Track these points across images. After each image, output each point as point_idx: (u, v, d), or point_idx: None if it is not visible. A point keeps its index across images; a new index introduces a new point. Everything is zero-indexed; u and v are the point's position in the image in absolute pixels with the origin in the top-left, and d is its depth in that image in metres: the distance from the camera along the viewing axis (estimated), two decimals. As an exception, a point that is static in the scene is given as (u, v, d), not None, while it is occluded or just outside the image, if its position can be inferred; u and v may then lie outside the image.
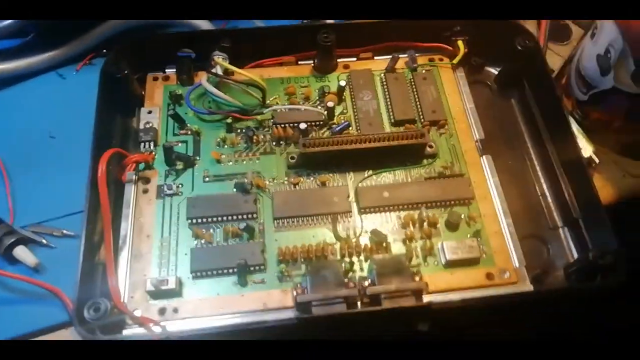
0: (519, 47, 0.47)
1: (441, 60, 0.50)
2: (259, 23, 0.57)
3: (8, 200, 0.44)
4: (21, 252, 0.41)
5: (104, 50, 0.54)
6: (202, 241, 0.40)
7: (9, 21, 0.50)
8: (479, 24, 0.49)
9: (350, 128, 0.46)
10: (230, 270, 0.38)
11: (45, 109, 0.50)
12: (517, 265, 0.40)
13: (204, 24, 0.52)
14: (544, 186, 0.45)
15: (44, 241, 0.42)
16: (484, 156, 0.45)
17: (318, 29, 0.47)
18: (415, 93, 0.48)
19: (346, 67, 0.49)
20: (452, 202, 0.42)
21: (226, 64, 0.46)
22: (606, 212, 0.40)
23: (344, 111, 0.47)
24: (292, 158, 0.43)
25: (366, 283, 0.37)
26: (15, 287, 0.40)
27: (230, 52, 0.47)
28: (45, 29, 0.53)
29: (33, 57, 0.51)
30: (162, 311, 0.37)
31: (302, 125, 0.44)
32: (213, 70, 0.46)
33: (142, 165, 0.43)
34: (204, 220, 0.40)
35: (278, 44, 0.49)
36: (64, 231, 0.43)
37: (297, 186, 0.43)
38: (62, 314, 0.39)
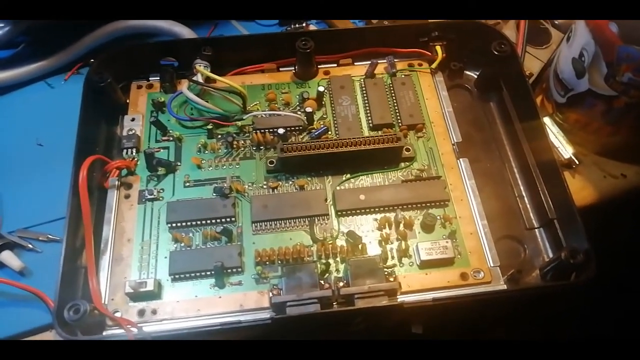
0: (495, 52, 0.48)
1: (420, 65, 0.51)
2: (238, 25, 0.58)
3: (-5, 207, 0.45)
4: (7, 257, 0.42)
5: (91, 60, 0.55)
6: (181, 244, 0.41)
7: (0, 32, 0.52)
8: (456, 29, 0.50)
9: (329, 133, 0.46)
10: (208, 273, 0.39)
11: (34, 117, 0.51)
12: (492, 265, 0.40)
13: (186, 33, 0.53)
14: (521, 188, 0.46)
15: (30, 246, 0.43)
16: (460, 159, 0.46)
17: (297, 36, 0.48)
18: (394, 98, 0.48)
19: (326, 73, 0.50)
20: (428, 204, 0.42)
21: (207, 72, 0.47)
22: (586, 213, 0.40)
23: (324, 116, 0.48)
24: (271, 163, 0.44)
25: (341, 284, 0.38)
26: (0, 291, 0.41)
27: (212, 60, 0.48)
28: (35, 40, 0.55)
29: (23, 68, 0.53)
30: (141, 313, 0.38)
31: (281, 130, 0.44)
32: (194, 78, 0.47)
33: (124, 172, 0.44)
34: (184, 224, 0.41)
35: (259, 51, 0.50)
36: (49, 236, 0.44)
37: (275, 190, 0.43)
38: (46, 316, 0.40)
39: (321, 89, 0.47)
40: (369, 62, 0.50)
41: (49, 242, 0.44)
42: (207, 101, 0.46)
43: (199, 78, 0.47)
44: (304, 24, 0.59)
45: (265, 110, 0.47)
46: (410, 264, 0.40)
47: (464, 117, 0.49)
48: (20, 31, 0.52)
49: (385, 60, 0.50)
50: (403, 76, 0.50)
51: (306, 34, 0.48)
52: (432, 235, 0.41)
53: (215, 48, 0.48)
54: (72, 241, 0.39)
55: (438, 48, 0.50)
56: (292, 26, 0.59)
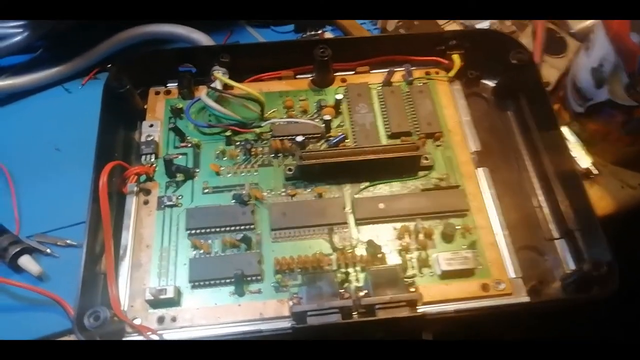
0: (514, 61, 0.48)
1: (437, 73, 0.51)
2: (254, 32, 0.58)
3: (14, 211, 0.45)
4: (26, 261, 0.42)
5: (109, 65, 0.55)
6: (201, 251, 0.40)
7: (19, 37, 0.52)
8: (473, 37, 0.50)
9: (347, 140, 0.46)
10: (228, 281, 0.39)
11: (52, 122, 0.51)
12: (513, 276, 0.40)
13: (204, 39, 0.53)
14: (540, 198, 0.46)
15: (48, 251, 0.43)
16: (479, 168, 0.45)
17: (315, 44, 0.48)
18: (411, 106, 0.48)
19: (343, 80, 0.50)
20: (448, 214, 0.42)
21: (225, 79, 0.47)
22: (604, 223, 0.40)
23: (341, 124, 0.48)
24: (290, 170, 0.44)
25: (361, 294, 0.38)
26: (19, 295, 0.41)
27: (230, 67, 0.48)
28: (53, 45, 0.55)
29: (41, 72, 0.53)
30: (160, 320, 0.38)
31: (299, 138, 0.44)
32: (212, 85, 0.47)
33: (143, 177, 0.44)
34: (203, 231, 0.41)
35: (276, 58, 0.50)
36: (68, 241, 0.44)
37: (294, 198, 0.43)
38: (64, 322, 0.40)
39: (339, 97, 0.47)
40: (386, 70, 0.50)
41: (67, 247, 0.44)
42: (225, 108, 0.46)
43: (217, 85, 0.47)
44: (319, 32, 0.59)
45: (283, 118, 0.47)
46: (431, 274, 0.40)
47: (481, 126, 0.49)
48: (39, 36, 0.53)
49: (402, 69, 0.50)
50: (420, 84, 0.50)
51: (324, 42, 0.48)
52: (452, 245, 0.41)
53: (232, 55, 0.48)
54: (91, 247, 0.39)
55: (456, 56, 0.50)
56: (308, 33, 0.59)
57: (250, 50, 0.50)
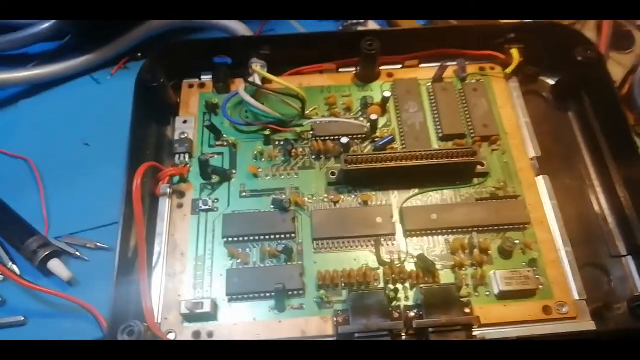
0: (579, 58, 0.44)
1: (492, 69, 0.47)
2: (296, 24, 0.55)
3: (43, 210, 0.43)
4: (56, 266, 0.40)
5: (139, 54, 0.52)
6: (238, 261, 0.38)
7: (47, 24, 0.49)
8: (534, 31, 0.46)
9: (394, 142, 0.43)
10: (267, 294, 0.36)
11: (80, 114, 0.49)
12: (577, 298, 0.37)
13: (240, 29, 0.49)
14: (605, 210, 0.42)
15: (77, 253, 0.41)
16: (539, 176, 0.42)
17: (361, 36, 0.44)
18: (465, 105, 0.44)
19: (390, 75, 0.47)
20: (506, 227, 0.39)
21: (264, 73, 0.43)
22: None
23: (388, 123, 0.44)
24: (333, 174, 0.41)
25: (412, 313, 0.35)
26: (49, 301, 0.40)
27: (268, 59, 0.45)
28: (81, 31, 0.52)
29: (68, 62, 0.50)
30: (196, 334, 0.35)
31: (344, 140, 0.41)
32: (250, 79, 0.44)
33: (176, 179, 0.41)
34: (240, 239, 0.38)
35: (318, 50, 0.46)
36: (98, 243, 0.42)
37: (337, 204, 0.40)
38: (95, 331, 0.38)
39: (387, 94, 0.44)
40: (437, 65, 0.46)
41: (97, 249, 0.42)
42: (263, 104, 0.43)
43: (255, 79, 0.44)
44: (361, 20, 0.55)
45: (325, 116, 0.44)
46: (487, 293, 0.37)
47: (540, 128, 0.45)
48: (67, 23, 0.50)
49: (454, 63, 0.46)
50: (474, 81, 0.46)
51: (371, 34, 0.44)
52: (511, 262, 0.38)
53: (272, 46, 0.45)
54: (124, 253, 0.37)
55: (514, 51, 0.45)
56: (349, 22, 0.55)
57: (291, 41, 0.46)
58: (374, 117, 0.42)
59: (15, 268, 0.41)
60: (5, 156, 0.47)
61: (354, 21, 0.55)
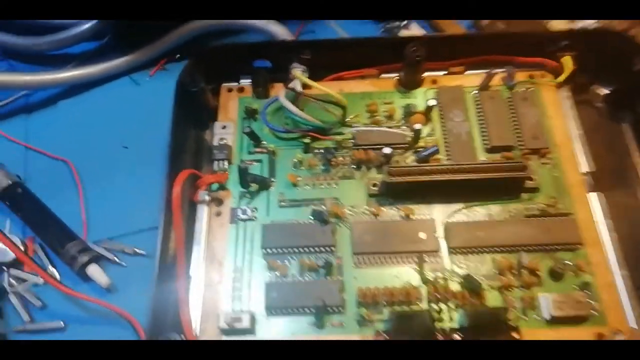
0: (636, 67, 0.41)
1: (542, 77, 0.45)
2: (335, 25, 0.54)
3: (82, 214, 0.43)
4: (94, 272, 0.40)
5: (177, 56, 0.52)
6: (277, 274, 0.37)
7: (86, 25, 0.49)
8: (588, 38, 0.43)
9: (439, 153, 0.41)
10: (307, 310, 0.35)
11: (119, 116, 0.49)
12: (635, 326, 0.35)
13: (280, 31, 0.48)
14: (663, 230, 0.39)
15: (115, 259, 0.41)
16: (592, 192, 0.39)
17: (406, 42, 0.42)
18: (513, 115, 0.42)
19: (434, 82, 0.45)
20: (557, 247, 0.37)
21: (305, 78, 0.42)
22: None
23: (431, 133, 0.42)
24: (375, 185, 0.40)
25: (457, 337, 0.33)
26: (88, 306, 0.40)
27: (309, 64, 0.44)
28: (121, 32, 0.52)
29: (107, 63, 0.50)
30: (233, 348, 0.35)
31: (387, 150, 0.40)
32: (291, 85, 0.43)
33: (215, 185, 0.41)
34: (279, 250, 0.38)
35: (359, 54, 0.45)
36: (136, 249, 0.42)
37: (378, 217, 0.39)
38: (133, 337, 0.38)
39: (432, 102, 0.42)
40: (484, 72, 0.44)
41: (135, 255, 0.42)
42: (303, 110, 0.42)
43: (295, 84, 0.43)
44: (404, 22, 0.53)
45: (368, 126, 0.42)
46: (536, 317, 0.35)
47: (592, 141, 0.42)
48: (106, 24, 0.50)
49: (502, 70, 0.44)
50: (523, 89, 0.44)
51: (415, 40, 0.43)
52: (562, 285, 0.36)
53: (313, 51, 0.43)
54: (163, 261, 0.36)
55: (567, 59, 0.43)
56: (390, 24, 0.53)
57: (333, 46, 0.45)
58: (418, 126, 0.41)
59: (55, 272, 0.41)
60: (45, 157, 0.47)
61: (396, 23, 0.53)
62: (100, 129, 0.48)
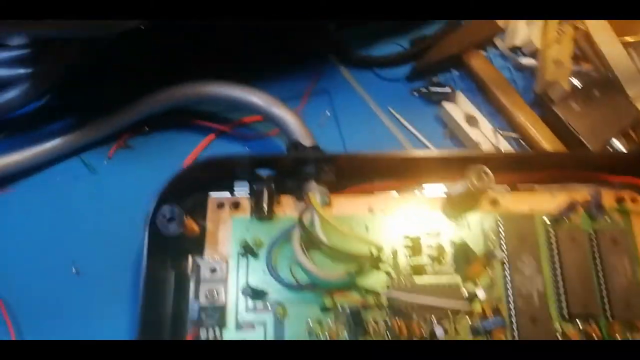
0: None
1: (633, 201, 0.34)
2: (348, 75, 0.41)
3: None
4: None
5: (146, 128, 0.39)
6: None
7: (15, 91, 0.35)
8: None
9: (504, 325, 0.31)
10: None
11: (67, 225, 0.36)
12: None
13: (297, 128, 0.34)
14: None
15: None
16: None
17: (472, 160, 0.31)
18: (598, 265, 0.32)
19: (494, 203, 0.34)
20: None
21: (323, 213, 0.31)
22: None
23: (489, 286, 0.32)
24: (421, 371, 0.30)
25: None
26: None
27: (331, 183, 0.32)
28: (59, 101, 0.38)
29: (46, 143, 0.36)
30: None
31: (439, 332, 0.29)
32: (306, 215, 0.31)
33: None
34: None
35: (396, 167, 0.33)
36: None
37: (422, 414, 0.30)
38: None
39: (498, 254, 0.31)
40: (557, 186, 0.33)
41: None
42: (326, 233, 0.31)
43: (313, 216, 0.31)
44: (445, 87, 0.41)
45: (409, 292, 0.31)
46: None
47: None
48: (42, 90, 0.36)
49: (584, 193, 0.33)
50: (609, 221, 0.33)
51: (478, 160, 0.31)
52: None
53: (338, 166, 0.31)
54: None
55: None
56: (427, 86, 0.41)
57: (363, 160, 0.33)
58: (480, 293, 0.30)
59: None
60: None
61: (436, 89, 0.41)
62: (40, 245, 0.35)
